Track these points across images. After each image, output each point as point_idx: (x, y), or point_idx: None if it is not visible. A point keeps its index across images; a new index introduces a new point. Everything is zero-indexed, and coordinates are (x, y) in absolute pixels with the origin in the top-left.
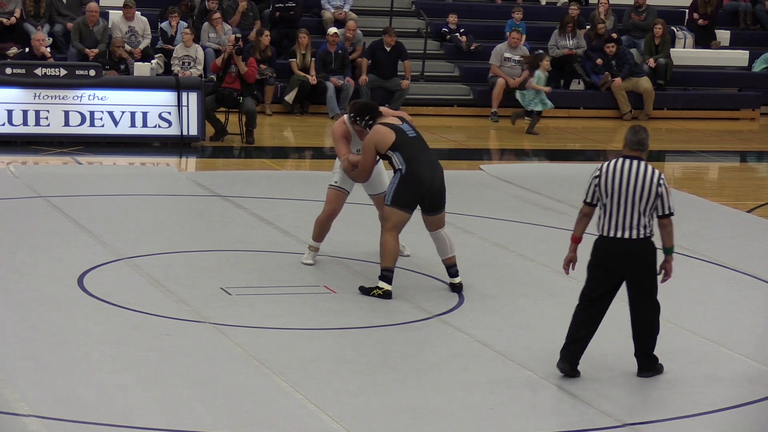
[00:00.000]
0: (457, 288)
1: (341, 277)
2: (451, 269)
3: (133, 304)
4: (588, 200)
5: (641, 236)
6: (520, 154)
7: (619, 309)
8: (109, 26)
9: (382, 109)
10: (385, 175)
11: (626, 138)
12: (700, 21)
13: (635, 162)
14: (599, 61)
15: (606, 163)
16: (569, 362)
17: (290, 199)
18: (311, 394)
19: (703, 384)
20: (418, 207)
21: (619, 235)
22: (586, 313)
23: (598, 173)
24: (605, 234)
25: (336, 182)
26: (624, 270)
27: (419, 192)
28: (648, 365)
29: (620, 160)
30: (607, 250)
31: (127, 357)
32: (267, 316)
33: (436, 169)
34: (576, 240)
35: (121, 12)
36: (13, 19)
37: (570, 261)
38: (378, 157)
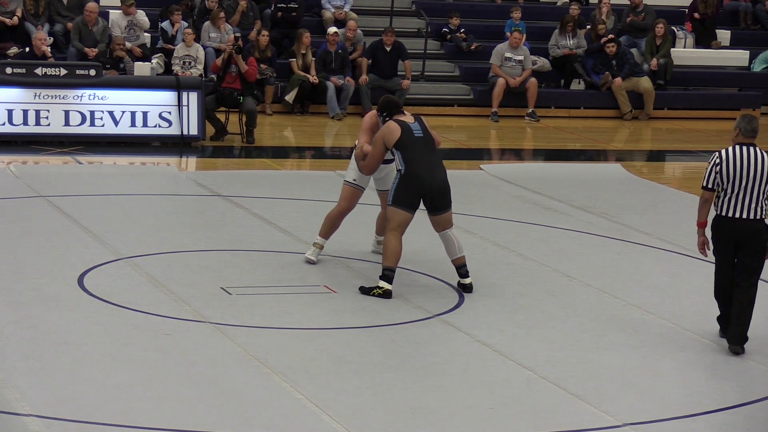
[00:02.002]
0: (467, 288)
1: (342, 276)
2: (461, 269)
3: (133, 304)
4: (709, 186)
5: (757, 216)
6: (521, 154)
7: (620, 309)
8: (109, 26)
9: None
10: (390, 175)
11: (740, 127)
12: (697, 15)
13: (751, 148)
14: (609, 47)
15: (724, 151)
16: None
17: (290, 199)
18: (311, 394)
19: (703, 384)
20: (423, 207)
21: (738, 215)
22: (722, 282)
23: (719, 161)
24: (724, 214)
25: (354, 179)
26: (739, 245)
27: (419, 192)
28: (737, 341)
29: (737, 147)
30: (726, 228)
31: (127, 357)
32: (267, 315)
33: (436, 169)
34: (702, 225)
35: (118, 11)
36: (15, 19)
37: (703, 244)
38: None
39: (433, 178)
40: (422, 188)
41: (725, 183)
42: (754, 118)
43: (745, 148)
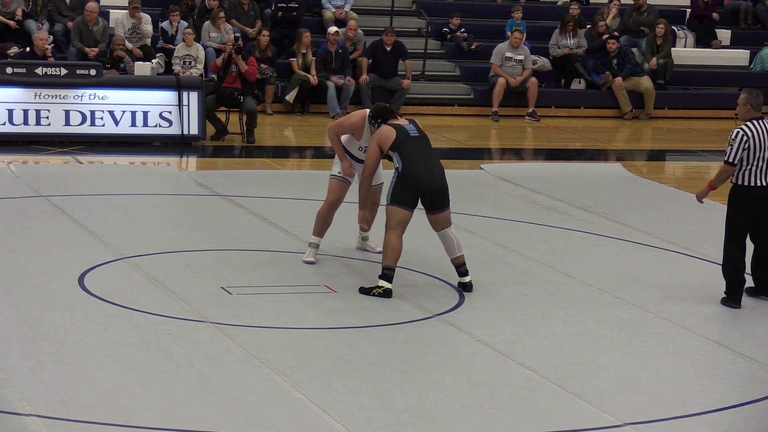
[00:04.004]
0: (467, 287)
1: (342, 276)
2: (460, 268)
3: (133, 304)
4: (733, 161)
5: None
6: (521, 154)
7: (620, 309)
8: (111, 25)
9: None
10: (380, 170)
11: (750, 102)
12: (697, 10)
13: (762, 121)
14: (610, 44)
15: (745, 127)
16: (737, 300)
17: (291, 199)
18: (312, 394)
19: (703, 384)
20: (421, 207)
21: (759, 183)
22: (735, 252)
23: (746, 137)
24: (744, 183)
25: (339, 173)
26: (760, 210)
27: (418, 190)
28: (763, 288)
29: (754, 121)
30: (746, 196)
31: (127, 356)
32: (268, 315)
33: (434, 167)
34: (713, 189)
35: (121, 11)
36: (16, 18)
37: (704, 195)
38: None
39: (431, 176)
40: (420, 186)
41: (751, 156)
42: (758, 93)
43: (759, 122)
